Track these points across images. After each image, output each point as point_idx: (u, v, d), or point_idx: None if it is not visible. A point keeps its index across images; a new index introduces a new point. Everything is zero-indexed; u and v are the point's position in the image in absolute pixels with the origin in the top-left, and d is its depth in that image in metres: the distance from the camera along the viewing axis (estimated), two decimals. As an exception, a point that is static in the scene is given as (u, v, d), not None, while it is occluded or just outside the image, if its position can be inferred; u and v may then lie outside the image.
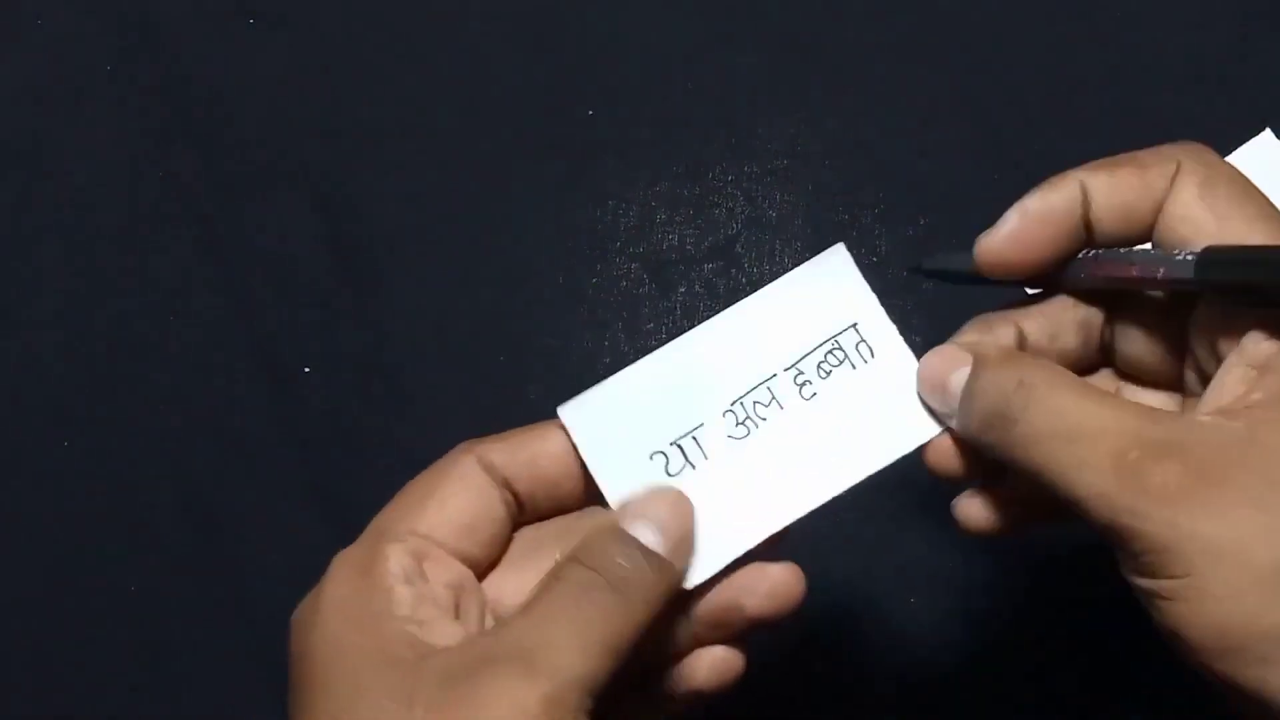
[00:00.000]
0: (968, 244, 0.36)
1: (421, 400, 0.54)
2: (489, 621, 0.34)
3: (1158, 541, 0.28)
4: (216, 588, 0.52)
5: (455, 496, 0.34)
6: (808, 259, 0.38)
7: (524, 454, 0.35)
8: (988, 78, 0.57)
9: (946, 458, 0.36)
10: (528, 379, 0.54)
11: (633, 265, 0.56)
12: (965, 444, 0.35)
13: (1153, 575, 0.28)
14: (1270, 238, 0.31)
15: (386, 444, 0.54)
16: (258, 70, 0.59)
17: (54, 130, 0.58)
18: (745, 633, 0.36)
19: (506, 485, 0.35)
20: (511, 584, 0.35)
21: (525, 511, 0.36)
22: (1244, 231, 0.31)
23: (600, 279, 0.55)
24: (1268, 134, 0.54)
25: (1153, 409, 0.31)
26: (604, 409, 0.36)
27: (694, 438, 0.36)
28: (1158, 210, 0.32)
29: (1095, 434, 0.30)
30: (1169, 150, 0.33)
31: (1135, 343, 0.35)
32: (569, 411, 0.36)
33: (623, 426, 0.36)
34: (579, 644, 0.30)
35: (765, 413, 0.36)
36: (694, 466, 0.35)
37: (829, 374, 0.36)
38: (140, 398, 0.55)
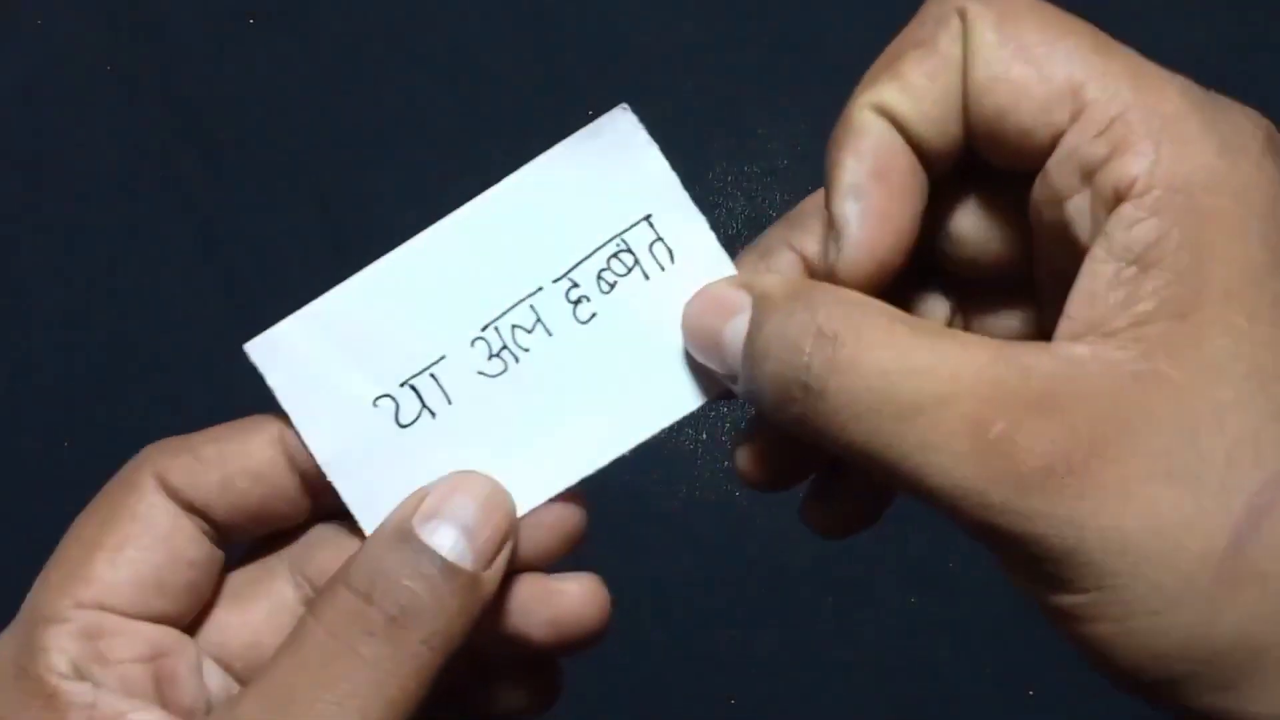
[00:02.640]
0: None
1: (421, 400, 0.54)
2: (213, 682, 0.26)
3: (1054, 546, 0.20)
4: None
5: (131, 545, 0.25)
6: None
7: (214, 475, 0.26)
8: (987, 77, 0.57)
9: (754, 462, 0.26)
10: (528, 379, 0.54)
11: (633, 265, 0.56)
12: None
13: (1055, 590, 0.20)
14: (1110, 66, 0.22)
15: (386, 444, 0.54)
16: (258, 70, 0.59)
17: (54, 130, 0.58)
18: (542, 663, 0.29)
19: (200, 513, 0.27)
20: (235, 624, 0.27)
21: (240, 535, 0.27)
22: (1079, 73, 0.21)
23: (600, 279, 0.56)
24: (1267, 134, 0.54)
25: (1009, 345, 0.21)
26: (309, 342, 0.27)
27: (432, 375, 0.27)
28: (960, 80, 0.22)
29: (939, 400, 0.20)
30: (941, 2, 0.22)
31: (968, 227, 0.24)
32: (260, 349, 0.27)
33: (335, 364, 0.27)
34: None
35: (528, 341, 0.27)
36: (433, 414, 0.27)
37: (613, 286, 0.27)
38: (140, 398, 0.55)
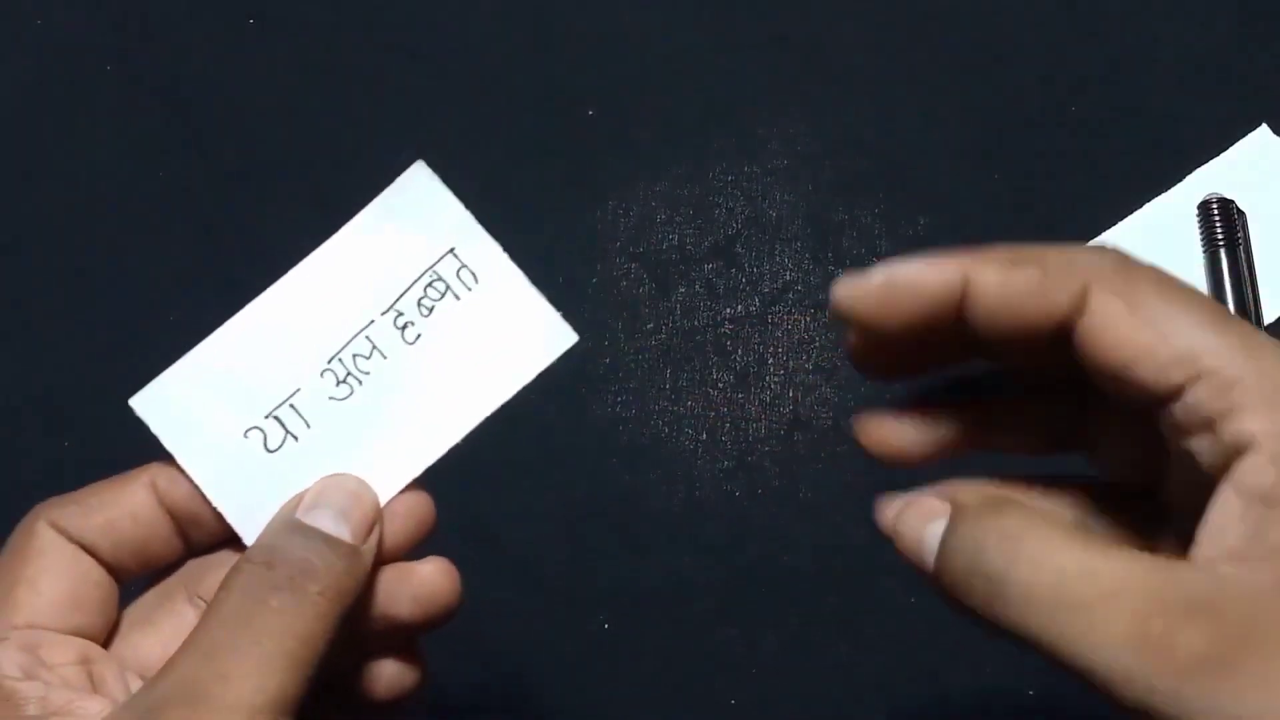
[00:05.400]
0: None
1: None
2: (133, 685, 0.31)
3: None
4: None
5: (45, 575, 0.31)
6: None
7: (98, 518, 0.32)
8: (988, 78, 0.57)
9: (883, 435, 0.30)
10: (528, 379, 0.54)
11: (633, 265, 0.56)
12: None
13: None
14: (1225, 338, 0.26)
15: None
16: (258, 70, 0.59)
17: (54, 130, 0.58)
18: (410, 641, 0.34)
19: (89, 551, 0.32)
20: (147, 643, 0.32)
21: (124, 573, 0.33)
22: (1198, 343, 0.26)
23: (600, 279, 0.55)
24: (1264, 129, 0.54)
25: (1167, 561, 0.25)
26: (183, 391, 0.33)
27: (292, 405, 0.33)
28: (1057, 325, 0.27)
29: (1107, 597, 0.24)
30: (1077, 259, 0.27)
31: (1109, 447, 0.30)
32: (143, 402, 0.33)
33: (209, 406, 0.33)
34: (256, 664, 0.27)
35: (367, 365, 0.33)
36: (296, 438, 0.33)
37: (432, 310, 0.33)
38: (140, 398, 0.55)
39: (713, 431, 0.53)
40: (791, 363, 0.54)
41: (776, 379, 0.54)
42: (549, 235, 0.56)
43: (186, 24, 0.60)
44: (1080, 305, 0.26)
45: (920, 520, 0.28)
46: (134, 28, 0.60)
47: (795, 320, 0.55)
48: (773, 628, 0.50)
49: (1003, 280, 0.27)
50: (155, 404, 0.33)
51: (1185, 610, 0.24)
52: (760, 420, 0.53)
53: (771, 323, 0.55)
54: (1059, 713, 0.49)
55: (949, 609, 0.28)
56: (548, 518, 0.52)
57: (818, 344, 0.54)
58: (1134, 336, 0.26)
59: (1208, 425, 0.25)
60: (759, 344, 0.55)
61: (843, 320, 0.29)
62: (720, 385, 0.54)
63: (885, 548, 0.52)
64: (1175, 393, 0.25)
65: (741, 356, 0.54)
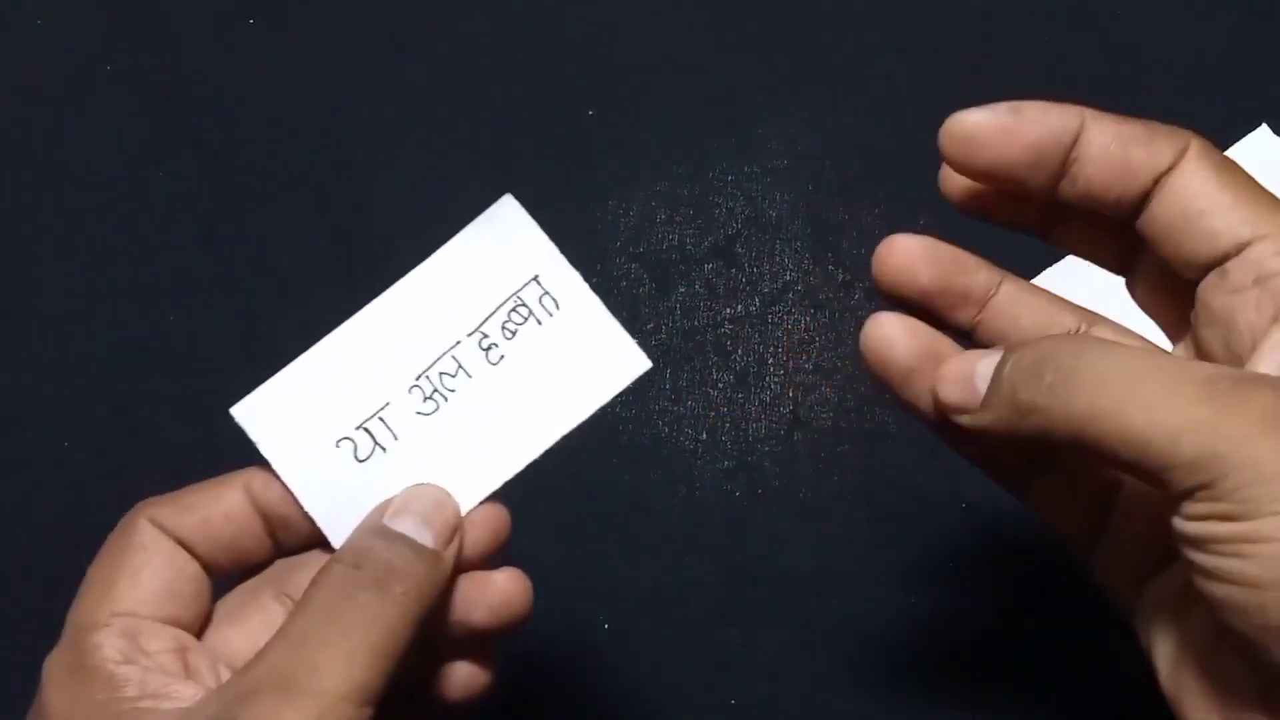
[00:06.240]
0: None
1: (421, 400, 0.54)
2: (223, 674, 0.33)
3: (1260, 471, 0.25)
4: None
5: (145, 568, 0.33)
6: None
7: (195, 516, 0.34)
8: (988, 77, 0.57)
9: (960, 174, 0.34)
10: (528, 379, 0.54)
11: (633, 265, 0.56)
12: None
13: (1229, 519, 0.25)
14: None
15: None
16: (258, 70, 0.59)
17: (54, 131, 0.58)
18: (483, 646, 0.36)
19: (185, 547, 0.34)
20: (236, 637, 0.34)
21: (216, 569, 0.35)
22: (1268, 212, 0.30)
23: (600, 279, 0.55)
24: (1264, 130, 0.54)
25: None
26: (281, 401, 0.35)
27: (381, 418, 0.35)
28: (1154, 179, 0.31)
29: (1175, 370, 0.27)
30: (1178, 128, 0.31)
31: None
32: (244, 411, 0.35)
33: (304, 417, 0.34)
34: (344, 655, 0.29)
35: (453, 384, 0.35)
36: (384, 449, 0.34)
37: (515, 333, 0.35)
38: (140, 398, 0.55)
39: (713, 431, 0.53)
40: (791, 363, 0.54)
41: (776, 379, 0.54)
42: (549, 235, 0.56)
43: (186, 24, 0.60)
44: (1176, 164, 0.30)
45: (970, 359, 0.31)
46: (134, 28, 0.60)
47: (795, 320, 0.55)
48: (773, 628, 0.50)
49: (1117, 129, 0.31)
50: (254, 413, 0.35)
51: (1251, 379, 0.26)
52: (760, 420, 0.53)
53: (771, 323, 0.55)
54: (1060, 713, 0.49)
55: (981, 452, 0.33)
56: (548, 518, 0.52)
57: (818, 344, 0.54)
58: (1218, 193, 0.30)
59: (1260, 280, 0.29)
60: (759, 344, 0.55)
61: (957, 142, 0.33)
62: (720, 385, 0.54)
63: (885, 548, 0.52)
64: (1239, 247, 0.29)
65: (741, 356, 0.54)
